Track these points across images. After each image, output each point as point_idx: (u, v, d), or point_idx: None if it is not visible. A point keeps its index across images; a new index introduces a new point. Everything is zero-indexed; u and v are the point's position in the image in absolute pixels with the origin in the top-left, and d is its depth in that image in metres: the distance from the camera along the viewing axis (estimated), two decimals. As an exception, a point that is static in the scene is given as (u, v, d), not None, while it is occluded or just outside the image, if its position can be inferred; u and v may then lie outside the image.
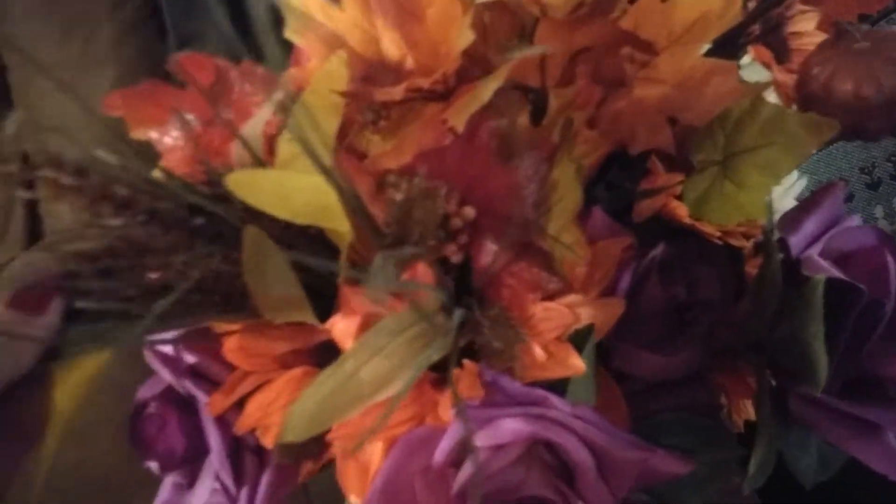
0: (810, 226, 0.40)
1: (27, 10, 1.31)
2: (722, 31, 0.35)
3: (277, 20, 0.41)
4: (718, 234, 0.42)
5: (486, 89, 0.32)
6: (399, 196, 0.29)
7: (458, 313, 0.33)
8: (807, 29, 0.44)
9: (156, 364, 0.40)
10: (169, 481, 0.42)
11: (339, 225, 0.30)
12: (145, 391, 0.41)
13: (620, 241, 0.41)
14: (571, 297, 0.37)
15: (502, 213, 0.34)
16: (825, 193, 0.41)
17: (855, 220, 0.41)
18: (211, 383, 0.39)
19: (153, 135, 0.38)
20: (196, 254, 0.29)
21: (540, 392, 0.35)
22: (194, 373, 0.39)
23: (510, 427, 0.33)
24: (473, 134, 0.34)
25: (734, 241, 0.43)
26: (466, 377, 0.34)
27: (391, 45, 0.39)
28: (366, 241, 0.32)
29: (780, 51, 0.42)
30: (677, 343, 0.40)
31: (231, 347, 0.38)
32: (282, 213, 0.29)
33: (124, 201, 0.26)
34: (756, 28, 0.38)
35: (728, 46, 0.37)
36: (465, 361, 0.35)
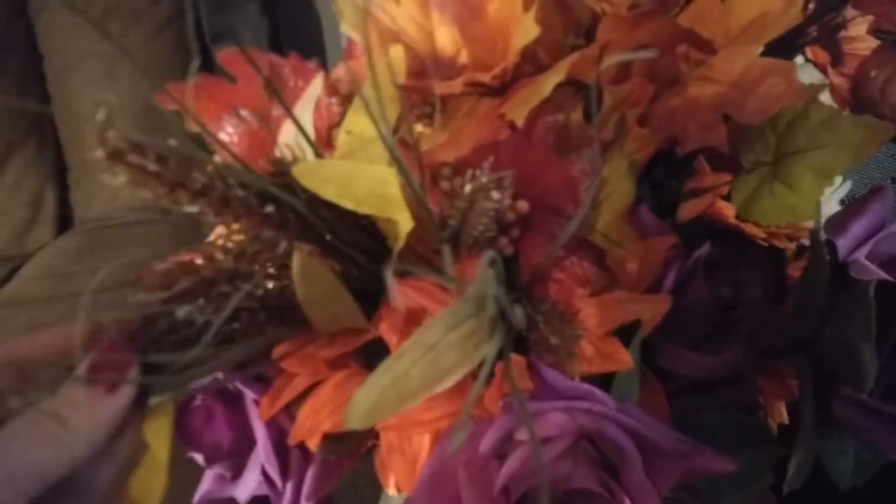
0: (858, 229, 0.40)
1: (65, 1, 1.33)
2: (780, 31, 0.35)
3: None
4: (763, 235, 0.43)
5: (547, 84, 0.33)
6: (466, 188, 0.30)
7: (517, 309, 0.33)
8: (859, 33, 0.44)
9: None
10: (211, 473, 0.43)
11: (401, 216, 0.31)
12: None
13: (666, 240, 0.41)
14: (619, 294, 0.38)
15: (556, 208, 0.35)
16: (873, 197, 0.41)
17: (902, 224, 0.41)
18: (258, 379, 0.40)
19: (210, 129, 0.38)
20: (263, 256, 0.30)
21: (586, 387, 0.35)
22: (241, 367, 0.40)
23: (558, 420, 0.34)
24: (530, 128, 0.35)
25: (779, 243, 0.43)
26: (515, 371, 0.35)
27: (447, 41, 0.39)
28: (424, 233, 0.32)
29: (834, 54, 0.42)
30: (721, 343, 0.41)
31: (280, 351, 0.38)
32: (346, 201, 0.29)
33: (201, 189, 0.27)
34: (813, 30, 0.38)
35: (784, 47, 0.37)
36: (513, 355, 0.36)
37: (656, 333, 0.41)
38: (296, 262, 0.30)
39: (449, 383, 0.32)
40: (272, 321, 0.34)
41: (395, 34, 0.41)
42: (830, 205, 0.49)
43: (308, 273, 0.31)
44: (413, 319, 0.36)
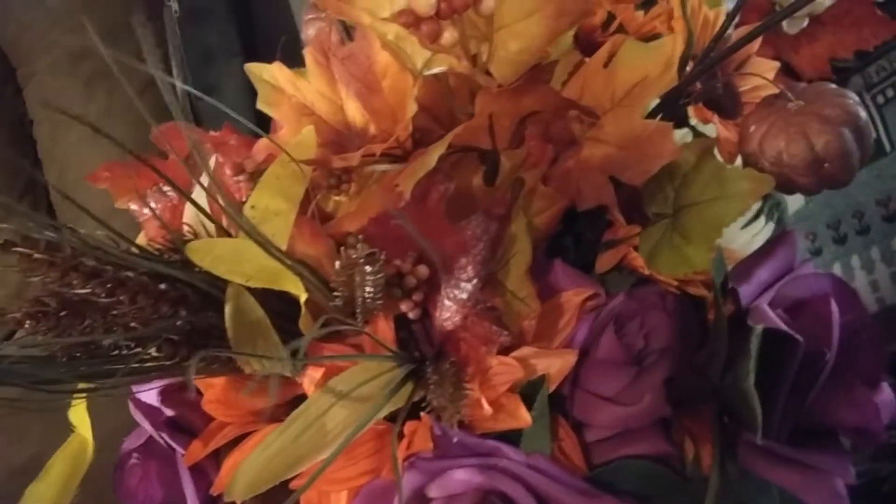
0: (763, 274, 0.41)
1: (52, 66, 1.38)
2: (660, 93, 0.37)
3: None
4: (675, 283, 0.44)
5: (432, 156, 0.34)
6: (336, 264, 0.31)
7: (406, 368, 0.35)
8: (763, 83, 0.46)
9: (138, 415, 0.42)
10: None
11: (293, 288, 0.32)
12: (130, 442, 0.43)
13: (582, 292, 0.43)
14: (525, 350, 0.39)
15: (455, 272, 0.36)
16: (779, 242, 0.42)
17: (809, 268, 0.42)
18: (191, 436, 0.42)
19: (133, 206, 0.40)
20: (163, 316, 0.31)
21: (492, 443, 0.36)
22: (174, 425, 0.41)
23: (461, 478, 0.35)
24: (425, 196, 0.36)
25: (693, 290, 0.44)
26: (421, 430, 0.36)
27: (356, 114, 0.41)
28: (320, 301, 0.34)
29: (731, 106, 0.43)
30: (636, 392, 0.42)
31: (210, 399, 0.40)
32: (236, 277, 0.31)
33: (92, 272, 0.28)
34: (698, 87, 0.40)
35: (672, 106, 0.39)
36: (423, 414, 0.37)
37: (572, 385, 0.42)
38: (228, 303, 0.32)
39: (335, 447, 0.34)
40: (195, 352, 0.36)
41: (308, 109, 0.43)
42: (753, 247, 0.50)
43: (236, 304, 0.33)
44: (332, 376, 0.38)
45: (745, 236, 0.49)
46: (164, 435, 0.40)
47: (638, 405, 0.41)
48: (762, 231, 0.51)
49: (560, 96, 0.37)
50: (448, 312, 0.37)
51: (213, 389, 0.39)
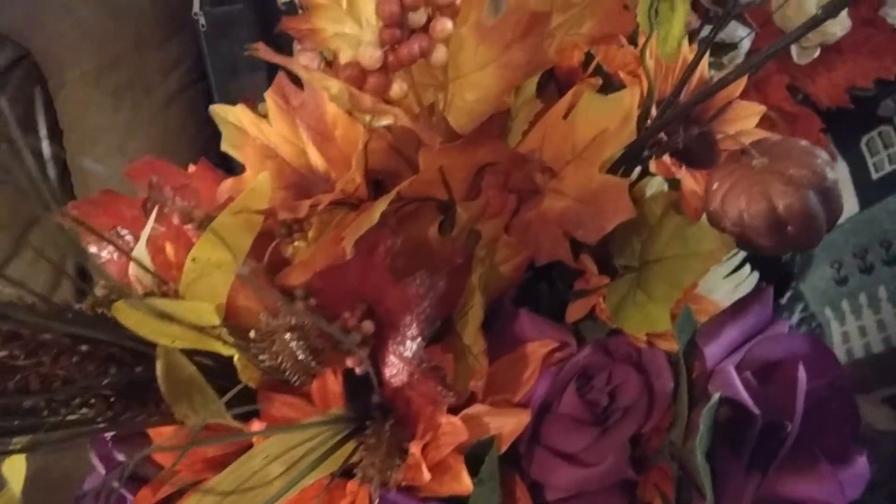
0: (733, 333, 0.39)
1: (81, 76, 1.40)
2: (619, 148, 0.36)
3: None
4: (643, 338, 0.42)
5: (375, 213, 0.34)
6: (251, 333, 0.31)
7: (349, 426, 0.34)
8: (747, 127, 0.44)
9: (94, 460, 0.42)
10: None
11: (221, 349, 0.32)
12: (88, 483, 0.43)
13: (547, 343, 0.41)
14: (478, 407, 0.38)
15: (400, 327, 0.35)
16: (752, 299, 0.40)
17: (783, 327, 0.40)
18: (143, 483, 0.41)
19: (92, 249, 0.40)
20: (89, 375, 0.31)
21: (432, 508, 0.35)
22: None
23: (397, 543, 0.34)
24: (372, 251, 0.36)
25: (664, 345, 0.43)
26: (363, 491, 0.35)
27: (317, 158, 0.41)
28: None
29: (706, 155, 0.42)
30: (599, 452, 0.40)
31: (161, 445, 0.40)
32: (162, 339, 0.31)
33: (9, 335, 0.28)
34: (662, 139, 0.38)
35: (634, 158, 0.38)
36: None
37: (530, 442, 0.41)
38: (158, 361, 0.32)
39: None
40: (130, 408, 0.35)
41: (272, 151, 0.42)
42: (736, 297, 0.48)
43: (170, 369, 0.32)
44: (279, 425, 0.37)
45: (728, 286, 0.47)
46: (115, 481, 0.40)
47: (599, 466, 0.40)
48: (747, 280, 0.49)
49: (508, 150, 0.36)
50: (394, 369, 0.36)
51: (161, 437, 0.39)
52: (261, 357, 0.32)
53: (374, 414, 0.37)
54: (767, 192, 0.33)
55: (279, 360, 0.31)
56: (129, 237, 0.40)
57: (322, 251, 0.36)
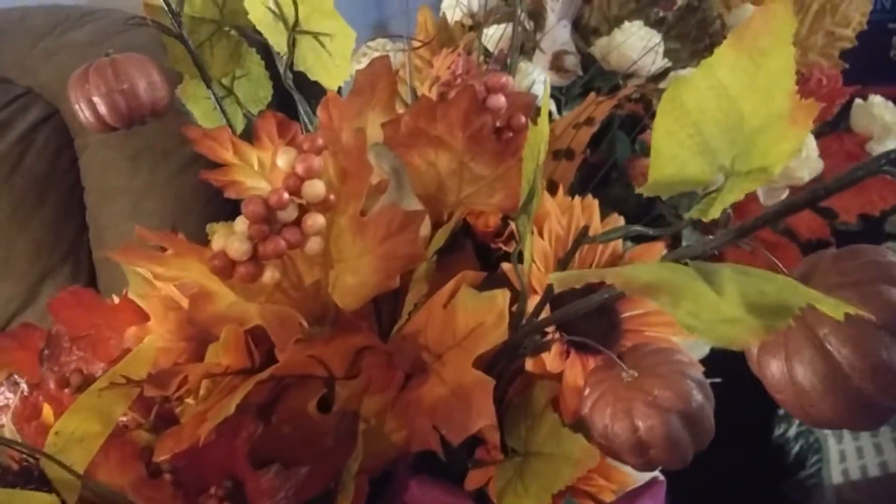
0: (617, 530, 0.38)
1: (104, 139, 1.45)
2: (493, 343, 0.35)
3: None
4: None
5: (232, 402, 0.33)
6: None
7: None
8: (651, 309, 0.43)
9: None
10: None
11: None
12: None
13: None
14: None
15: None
16: (643, 491, 0.39)
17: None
18: None
19: (-9, 389, 0.41)
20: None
21: None
22: None
23: None
24: (237, 433, 0.35)
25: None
26: None
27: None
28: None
29: (608, 336, 0.41)
30: None
31: None
32: None
33: None
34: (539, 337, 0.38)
35: (510, 355, 0.37)
36: None
37: None
38: None
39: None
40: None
41: (175, 303, 0.43)
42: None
43: None
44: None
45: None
46: None
47: None
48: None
49: (376, 341, 0.36)
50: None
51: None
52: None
53: None
54: (630, 411, 0.32)
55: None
56: (23, 385, 0.41)
57: (188, 429, 0.36)
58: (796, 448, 0.94)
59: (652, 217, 0.69)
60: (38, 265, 1.50)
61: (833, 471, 0.93)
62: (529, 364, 0.37)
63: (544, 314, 0.37)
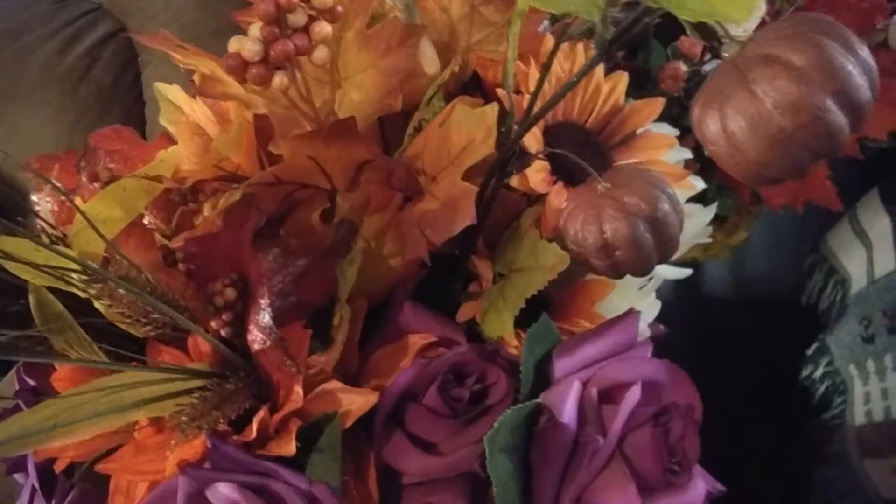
0: (589, 350, 0.40)
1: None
2: (481, 157, 0.38)
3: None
4: (515, 343, 0.44)
5: (239, 190, 0.37)
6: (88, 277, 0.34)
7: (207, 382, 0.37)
8: (655, 157, 0.45)
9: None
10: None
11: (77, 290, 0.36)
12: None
13: (426, 337, 0.44)
14: (333, 383, 0.40)
15: (258, 298, 0.38)
16: (618, 320, 0.41)
17: (645, 352, 0.41)
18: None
19: (34, 198, 0.45)
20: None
21: (268, 465, 0.38)
22: (36, 393, 0.46)
23: (222, 491, 0.37)
24: (243, 224, 0.39)
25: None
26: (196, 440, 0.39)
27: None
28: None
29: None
30: (454, 443, 0.42)
31: (59, 377, 0.44)
32: (22, 274, 0.35)
33: None
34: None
35: (501, 168, 0.39)
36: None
37: (387, 428, 0.43)
38: (31, 295, 0.36)
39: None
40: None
41: (200, 129, 0.46)
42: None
43: (41, 305, 0.37)
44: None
45: (643, 303, 0.48)
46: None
47: (449, 457, 0.42)
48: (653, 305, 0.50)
49: (378, 151, 0.39)
50: (252, 335, 0.39)
51: (63, 369, 0.43)
52: (104, 301, 0.36)
53: (240, 374, 0.40)
54: (600, 215, 0.35)
55: (123, 307, 0.35)
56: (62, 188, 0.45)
57: (201, 225, 0.40)
58: (821, 389, 0.94)
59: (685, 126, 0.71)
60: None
61: (857, 412, 0.92)
62: (514, 181, 0.39)
63: (534, 138, 0.39)
